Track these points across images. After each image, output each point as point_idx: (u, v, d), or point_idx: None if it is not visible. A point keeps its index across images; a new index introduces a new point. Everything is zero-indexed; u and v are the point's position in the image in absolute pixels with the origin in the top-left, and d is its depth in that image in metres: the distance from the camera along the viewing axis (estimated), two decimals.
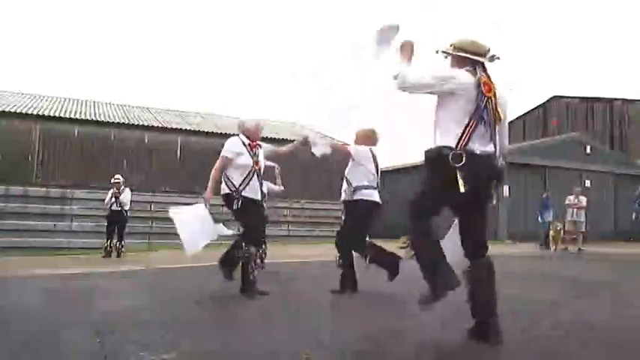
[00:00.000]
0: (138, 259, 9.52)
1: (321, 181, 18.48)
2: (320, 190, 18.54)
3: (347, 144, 5.14)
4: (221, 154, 4.64)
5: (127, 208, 10.65)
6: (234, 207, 4.52)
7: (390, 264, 4.77)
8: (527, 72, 68.61)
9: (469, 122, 2.73)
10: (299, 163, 18.32)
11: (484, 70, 2.85)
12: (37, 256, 10.66)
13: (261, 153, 4.82)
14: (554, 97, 27.10)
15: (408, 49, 2.90)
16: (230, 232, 4.93)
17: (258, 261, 4.67)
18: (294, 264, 8.18)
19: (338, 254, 4.96)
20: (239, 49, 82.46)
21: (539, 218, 13.49)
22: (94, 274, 6.99)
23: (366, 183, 4.81)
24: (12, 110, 15.46)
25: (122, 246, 10.55)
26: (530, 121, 27.57)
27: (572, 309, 4.11)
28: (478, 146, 2.72)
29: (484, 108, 2.73)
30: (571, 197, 12.73)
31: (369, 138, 5.03)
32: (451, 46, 2.91)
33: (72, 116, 16.30)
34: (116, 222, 10.54)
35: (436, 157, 2.77)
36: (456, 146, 2.70)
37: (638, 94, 35.23)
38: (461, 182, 2.63)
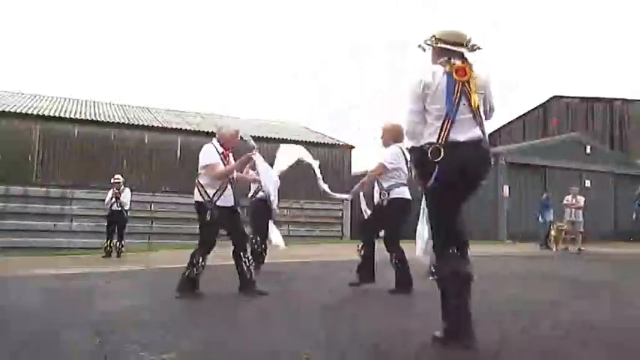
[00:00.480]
0: (138, 259, 9.52)
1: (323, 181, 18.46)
2: (320, 190, 18.54)
3: (378, 168, 4.92)
4: (208, 164, 4.54)
5: (127, 208, 10.65)
6: (207, 217, 4.47)
7: (404, 282, 4.74)
8: (527, 72, 68.63)
9: (447, 113, 2.69)
10: (303, 164, 18.35)
11: (462, 58, 2.81)
12: (37, 256, 10.66)
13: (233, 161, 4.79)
14: (554, 97, 27.08)
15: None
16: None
17: (251, 259, 4.73)
18: (294, 264, 8.17)
19: (361, 244, 5.00)
20: (239, 49, 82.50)
21: (540, 218, 13.49)
22: (94, 274, 6.99)
23: (398, 181, 4.84)
24: (12, 110, 15.48)
25: (122, 246, 10.55)
26: (530, 121, 27.56)
27: (572, 309, 4.11)
28: (462, 135, 2.68)
29: (461, 94, 2.70)
30: (569, 197, 12.73)
31: (399, 134, 4.86)
32: (432, 37, 2.89)
33: (72, 116, 16.32)
34: (116, 222, 10.54)
35: (420, 156, 2.76)
36: (438, 140, 2.68)
37: (638, 94, 35.29)
38: (446, 177, 2.63)
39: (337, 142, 19.94)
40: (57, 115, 16.12)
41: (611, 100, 25.04)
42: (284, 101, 69.79)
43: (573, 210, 12.55)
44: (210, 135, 17.38)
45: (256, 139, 19.18)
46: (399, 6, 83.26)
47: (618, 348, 2.88)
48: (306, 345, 2.85)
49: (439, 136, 2.68)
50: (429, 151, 2.67)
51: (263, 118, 20.59)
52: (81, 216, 15.31)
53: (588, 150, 19.12)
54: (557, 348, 2.84)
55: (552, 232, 12.89)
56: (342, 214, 19.14)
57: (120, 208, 10.51)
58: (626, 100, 24.56)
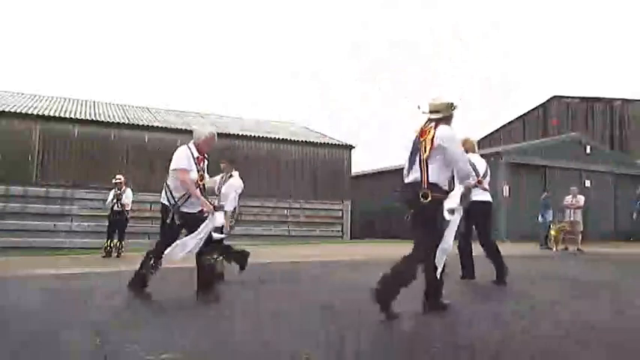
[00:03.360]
0: (138, 259, 9.50)
1: (323, 181, 18.49)
2: (321, 190, 18.55)
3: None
4: (179, 168, 4.42)
5: (128, 208, 10.62)
6: (169, 220, 4.41)
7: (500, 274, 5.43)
8: (527, 72, 68.63)
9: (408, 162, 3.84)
10: (303, 164, 18.35)
11: (437, 122, 3.76)
12: (37, 256, 10.65)
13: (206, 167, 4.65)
14: (554, 97, 27.08)
15: None
16: (220, 235, 4.94)
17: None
18: (295, 264, 8.16)
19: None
20: (239, 49, 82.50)
21: (540, 218, 13.48)
22: (93, 274, 6.99)
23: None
24: (12, 110, 15.47)
25: (122, 246, 10.54)
26: (530, 121, 27.55)
27: (572, 309, 4.11)
28: (407, 179, 3.79)
29: (418, 150, 3.73)
30: (569, 197, 12.73)
31: (469, 147, 5.71)
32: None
33: (72, 116, 16.31)
34: (117, 222, 10.52)
35: None
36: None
37: (638, 94, 35.27)
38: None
39: (337, 142, 19.94)
40: (57, 115, 16.11)
41: (611, 100, 25.04)
42: (284, 101, 69.79)
43: (573, 210, 12.54)
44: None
45: (256, 138, 19.08)
46: (399, 6, 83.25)
47: (618, 348, 2.88)
48: (306, 345, 2.85)
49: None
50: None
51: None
52: (81, 216, 15.31)
53: (588, 150, 19.11)
54: (557, 348, 2.84)
55: (552, 232, 12.88)
56: (342, 214, 19.15)
57: (121, 209, 10.49)
58: (626, 100, 24.55)
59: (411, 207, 3.66)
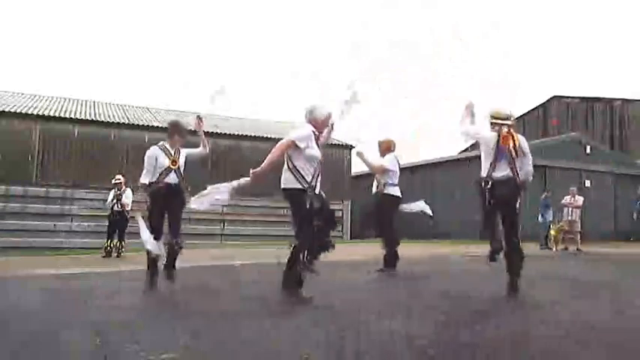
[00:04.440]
0: (138, 259, 9.51)
1: (322, 181, 18.47)
2: (321, 190, 18.54)
3: (382, 165, 6.40)
4: (292, 138, 4.11)
5: (128, 208, 10.63)
6: (308, 206, 4.10)
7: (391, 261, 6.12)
8: (527, 72, 68.65)
9: (492, 160, 4.50)
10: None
11: (509, 128, 4.49)
12: (37, 256, 10.66)
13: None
14: (554, 97, 27.08)
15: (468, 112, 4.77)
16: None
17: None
18: None
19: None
20: (239, 48, 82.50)
21: (540, 218, 13.48)
22: (94, 274, 6.99)
23: (391, 182, 6.32)
24: (12, 110, 15.48)
25: (122, 246, 10.54)
26: (530, 121, 27.54)
27: (572, 309, 4.11)
28: (497, 174, 4.47)
29: (501, 151, 4.44)
30: (567, 197, 12.75)
31: (392, 146, 6.49)
32: (489, 115, 4.63)
33: (72, 116, 16.32)
34: (117, 222, 10.53)
35: (480, 184, 4.56)
36: (486, 176, 4.51)
37: (638, 94, 35.25)
38: (488, 197, 4.47)
39: (337, 142, 19.94)
40: (57, 115, 16.12)
41: (611, 100, 25.05)
42: (284, 101, 69.79)
43: (572, 209, 12.56)
44: (210, 135, 17.49)
45: (256, 138, 19.10)
46: (399, 6, 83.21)
47: (618, 348, 2.88)
48: (306, 345, 2.85)
49: (487, 174, 4.51)
50: (482, 182, 4.52)
51: (263, 118, 20.52)
52: (81, 216, 15.31)
53: (588, 150, 19.11)
54: (557, 348, 2.84)
55: (552, 232, 12.88)
56: (342, 214, 19.13)
57: (121, 209, 10.50)
58: (626, 100, 24.57)
59: (510, 196, 4.47)
